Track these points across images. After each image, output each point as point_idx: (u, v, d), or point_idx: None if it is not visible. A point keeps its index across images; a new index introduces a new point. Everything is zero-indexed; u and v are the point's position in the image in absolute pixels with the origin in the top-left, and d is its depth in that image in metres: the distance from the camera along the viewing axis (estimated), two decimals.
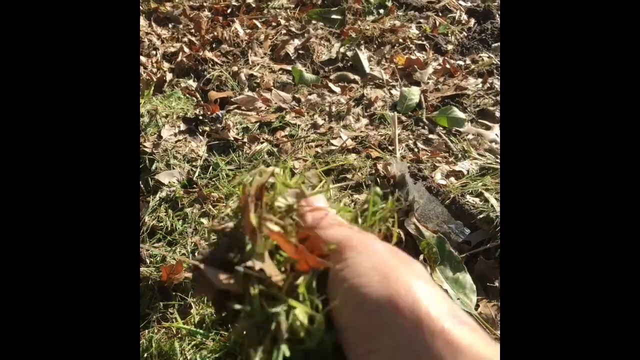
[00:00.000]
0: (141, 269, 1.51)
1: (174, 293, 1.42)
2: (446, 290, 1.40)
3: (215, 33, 2.56)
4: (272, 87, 2.20)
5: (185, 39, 2.56)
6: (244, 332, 0.41)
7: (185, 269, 1.45)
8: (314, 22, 2.66)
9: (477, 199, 1.60)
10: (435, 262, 1.45)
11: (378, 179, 1.71)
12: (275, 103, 2.11)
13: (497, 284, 1.45)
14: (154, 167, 1.83)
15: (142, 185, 1.81)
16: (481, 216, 1.55)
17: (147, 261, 1.55)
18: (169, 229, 1.63)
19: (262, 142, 1.91)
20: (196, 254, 1.50)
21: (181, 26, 2.73)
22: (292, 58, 2.40)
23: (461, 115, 1.98)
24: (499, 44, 2.48)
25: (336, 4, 2.79)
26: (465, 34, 2.62)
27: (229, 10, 2.85)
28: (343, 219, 0.49)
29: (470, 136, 1.92)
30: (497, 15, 2.69)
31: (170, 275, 1.42)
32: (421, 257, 1.46)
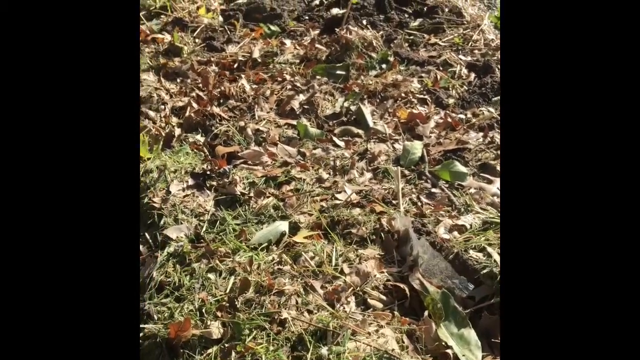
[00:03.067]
0: (149, 325, 1.53)
1: (181, 350, 1.44)
2: (451, 347, 1.41)
3: (223, 88, 2.64)
4: (278, 142, 2.25)
5: (193, 94, 2.64)
6: None
7: (193, 325, 1.46)
8: (318, 77, 2.74)
9: (480, 254, 1.63)
10: (440, 318, 1.46)
11: (382, 234, 1.74)
12: (281, 157, 2.16)
13: None
14: (162, 222, 1.87)
15: (150, 241, 1.84)
16: (484, 271, 1.57)
17: (155, 317, 1.57)
18: (177, 284, 1.65)
19: (268, 197, 1.94)
20: (204, 311, 1.52)
21: (189, 81, 2.81)
22: (297, 113, 2.47)
23: (463, 169, 2.02)
24: (499, 97, 2.54)
25: (340, 60, 2.87)
26: (466, 88, 2.70)
27: (235, 66, 2.94)
28: None
29: (472, 190, 1.95)
30: (497, 70, 2.77)
31: (178, 333, 1.44)
32: (426, 312, 1.48)
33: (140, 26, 3.41)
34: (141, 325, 1.54)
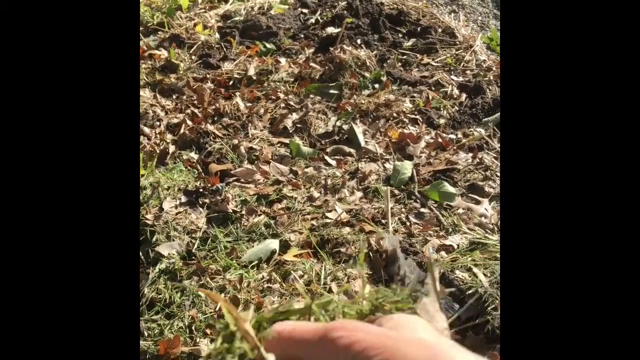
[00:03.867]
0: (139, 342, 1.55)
1: None
2: None
3: (217, 105, 2.68)
4: (271, 160, 2.29)
5: (189, 111, 2.68)
6: None
7: (182, 343, 1.49)
8: (312, 96, 2.78)
9: (466, 274, 1.66)
10: None
11: (371, 253, 1.77)
12: (273, 176, 2.19)
13: (486, 359, 1.48)
14: (154, 238, 1.90)
15: (142, 257, 1.87)
16: (470, 291, 1.60)
17: (145, 334, 1.59)
18: (168, 301, 1.68)
19: (259, 215, 1.98)
20: (194, 328, 1.55)
21: (185, 97, 2.84)
22: (290, 131, 2.51)
23: (452, 189, 2.06)
24: (489, 118, 2.58)
25: (333, 79, 2.92)
26: (457, 109, 2.74)
27: (230, 83, 2.98)
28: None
29: (460, 210, 1.99)
30: (488, 91, 2.82)
31: (168, 350, 1.46)
32: None
33: None
34: None
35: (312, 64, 3.11)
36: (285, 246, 1.84)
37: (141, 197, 2.06)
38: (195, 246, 1.87)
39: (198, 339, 1.51)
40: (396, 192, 2.10)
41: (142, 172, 2.21)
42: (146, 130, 2.53)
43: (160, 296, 1.70)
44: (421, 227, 1.92)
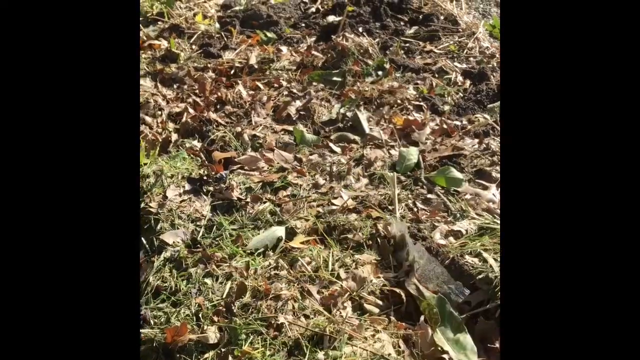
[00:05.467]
0: (145, 330, 1.53)
1: (178, 355, 1.44)
2: (447, 352, 1.41)
3: (219, 94, 2.64)
4: (275, 148, 2.26)
5: (190, 100, 2.65)
6: None
7: (189, 330, 1.47)
8: (314, 83, 2.76)
9: (475, 259, 1.63)
10: (436, 323, 1.47)
11: (379, 239, 1.75)
12: (278, 163, 2.17)
13: (497, 344, 1.46)
14: (159, 227, 1.87)
15: (147, 245, 1.84)
16: (480, 276, 1.58)
17: (152, 322, 1.57)
18: (173, 289, 1.65)
19: (264, 202, 1.95)
20: (200, 316, 1.52)
21: (186, 86, 2.81)
22: (294, 119, 2.48)
23: (459, 175, 2.03)
24: (494, 104, 2.56)
25: (336, 67, 2.89)
26: (461, 95, 2.71)
27: (232, 72, 2.95)
28: None
29: (468, 196, 1.97)
30: (492, 77, 2.79)
31: (175, 337, 1.44)
32: (422, 317, 1.49)
33: None
34: None
35: (314, 52, 3.08)
36: (291, 233, 1.81)
37: (145, 185, 2.04)
38: (200, 234, 1.84)
39: (205, 327, 1.49)
40: (402, 178, 2.08)
41: (145, 160, 2.18)
42: (148, 119, 2.50)
43: (166, 284, 1.68)
44: (428, 213, 1.89)
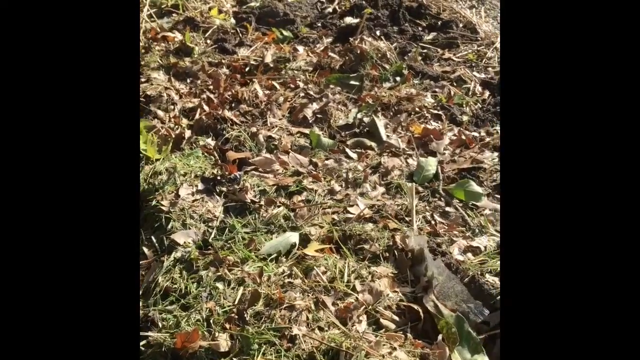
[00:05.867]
0: (154, 334, 1.49)
1: None
2: None
3: (234, 91, 2.60)
4: (290, 150, 2.21)
5: (204, 96, 2.60)
6: None
7: (200, 337, 1.42)
8: (332, 86, 2.71)
9: (496, 279, 1.59)
10: (453, 343, 1.43)
11: (396, 251, 1.70)
12: (293, 166, 2.12)
13: None
14: (170, 226, 1.83)
15: (157, 245, 1.80)
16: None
17: (160, 325, 1.52)
18: (183, 291, 1.61)
19: (278, 206, 1.90)
20: (212, 322, 1.48)
21: (199, 82, 2.76)
22: (310, 121, 2.43)
23: (478, 189, 1.98)
24: None
25: (354, 70, 2.84)
26: (480, 106, 2.67)
27: (247, 69, 2.90)
28: None
29: (487, 211, 1.92)
30: None
31: (185, 343, 1.39)
32: (440, 336, 1.44)
33: (151, 24, 3.37)
34: (145, 333, 1.50)
35: (330, 54, 3.03)
36: (305, 240, 1.77)
37: (156, 183, 1.99)
38: (212, 235, 1.79)
39: (217, 333, 1.44)
40: (420, 189, 2.03)
41: (156, 156, 2.13)
42: (160, 113, 2.45)
43: (176, 286, 1.63)
44: (446, 227, 1.85)
